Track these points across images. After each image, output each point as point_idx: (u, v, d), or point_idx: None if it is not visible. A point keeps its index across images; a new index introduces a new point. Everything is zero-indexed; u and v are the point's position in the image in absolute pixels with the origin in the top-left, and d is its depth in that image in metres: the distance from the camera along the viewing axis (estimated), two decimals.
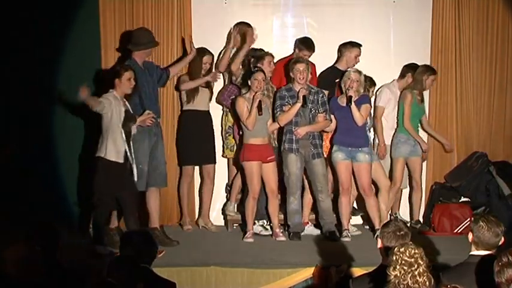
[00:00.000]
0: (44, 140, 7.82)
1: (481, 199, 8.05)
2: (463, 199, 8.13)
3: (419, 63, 7.97)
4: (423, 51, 8.17)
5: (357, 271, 6.19)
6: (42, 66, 7.73)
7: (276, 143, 7.66)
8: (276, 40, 8.25)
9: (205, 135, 7.79)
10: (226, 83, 7.99)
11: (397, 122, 7.91)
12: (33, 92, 7.73)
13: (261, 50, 7.79)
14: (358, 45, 7.77)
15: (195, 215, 8.22)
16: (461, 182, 8.10)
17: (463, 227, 7.69)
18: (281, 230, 7.54)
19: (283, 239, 7.43)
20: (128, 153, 6.88)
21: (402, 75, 7.96)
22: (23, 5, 7.68)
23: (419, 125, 8.03)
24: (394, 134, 7.90)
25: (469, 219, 7.68)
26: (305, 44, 7.83)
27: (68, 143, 7.87)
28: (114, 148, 6.75)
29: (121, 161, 6.79)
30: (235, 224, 7.97)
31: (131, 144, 6.95)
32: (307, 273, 6.58)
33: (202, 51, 7.71)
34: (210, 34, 8.15)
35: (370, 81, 7.80)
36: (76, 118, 7.68)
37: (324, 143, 7.61)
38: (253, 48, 7.77)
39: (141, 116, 7.10)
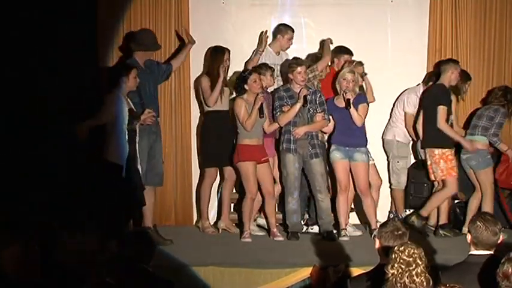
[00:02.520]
0: (44, 139, 7.81)
1: None
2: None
3: (418, 64, 7.98)
4: (421, 51, 8.17)
5: (355, 271, 6.19)
6: (39, 66, 7.73)
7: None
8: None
9: (228, 135, 7.71)
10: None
11: None
12: (32, 92, 7.72)
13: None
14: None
15: (193, 215, 8.23)
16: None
17: None
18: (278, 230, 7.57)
19: (280, 238, 7.44)
20: (135, 153, 6.90)
21: (427, 81, 7.89)
22: (22, 5, 7.67)
23: None
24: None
25: None
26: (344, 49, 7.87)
27: (68, 143, 7.86)
28: (115, 149, 6.74)
29: (122, 163, 6.78)
30: (233, 224, 7.97)
31: (136, 143, 6.97)
32: (304, 273, 6.58)
33: (222, 50, 7.70)
34: (207, 34, 8.15)
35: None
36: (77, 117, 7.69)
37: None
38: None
39: (142, 115, 7.10)
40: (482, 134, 7.69)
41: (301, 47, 8.21)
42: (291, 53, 8.05)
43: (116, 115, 6.77)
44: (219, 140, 7.63)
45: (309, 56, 7.95)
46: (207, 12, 8.22)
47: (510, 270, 3.73)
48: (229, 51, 7.72)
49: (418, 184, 7.91)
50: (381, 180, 7.84)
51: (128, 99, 6.98)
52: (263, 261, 6.77)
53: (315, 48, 8.04)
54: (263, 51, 7.83)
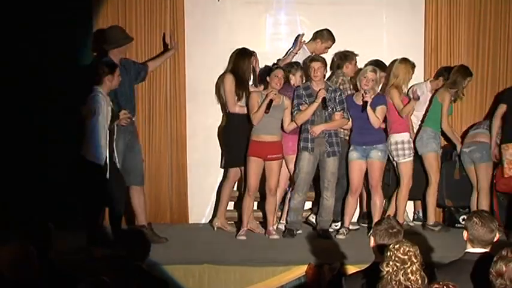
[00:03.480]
0: (42, 139, 7.81)
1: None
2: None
3: (415, 63, 7.95)
4: (416, 50, 8.14)
5: (350, 269, 6.19)
6: (35, 66, 7.72)
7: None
8: (269, 38, 8.25)
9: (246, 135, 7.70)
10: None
11: (423, 119, 7.86)
12: (32, 91, 7.72)
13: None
14: None
15: (188, 214, 8.22)
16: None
17: None
18: (275, 228, 7.56)
19: (276, 237, 7.44)
20: (113, 152, 6.87)
21: (436, 76, 7.95)
22: (18, 4, 7.66)
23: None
24: (418, 130, 7.84)
25: None
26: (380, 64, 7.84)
27: (65, 143, 7.86)
28: (95, 150, 6.70)
29: (102, 163, 6.74)
30: (228, 222, 7.96)
31: (114, 143, 6.94)
32: (300, 271, 6.58)
33: (250, 53, 7.68)
34: (202, 32, 8.16)
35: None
36: (72, 117, 7.69)
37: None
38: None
39: (120, 115, 7.06)
40: (487, 128, 7.74)
41: None
42: (285, 49, 8.09)
43: (95, 112, 6.67)
44: (242, 140, 7.58)
45: (336, 54, 7.92)
46: (202, 10, 8.21)
47: (504, 268, 3.72)
48: (255, 54, 7.71)
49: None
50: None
51: (109, 98, 6.91)
52: (258, 259, 6.76)
53: None
54: (296, 53, 7.79)
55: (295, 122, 7.43)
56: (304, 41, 7.86)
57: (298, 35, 7.92)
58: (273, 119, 7.39)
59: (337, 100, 7.44)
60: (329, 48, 7.96)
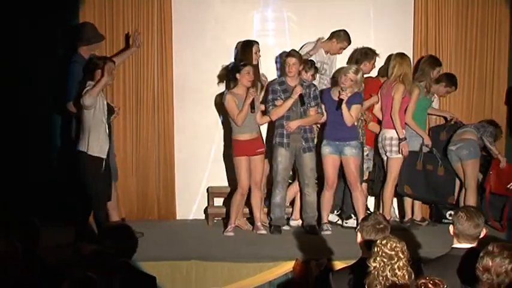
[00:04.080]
0: (42, 139, 7.79)
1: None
2: None
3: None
4: (404, 46, 8.09)
5: (337, 264, 6.21)
6: (28, 66, 7.70)
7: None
8: (256, 34, 8.21)
9: None
10: None
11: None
12: (30, 92, 7.72)
13: None
14: None
15: (175, 210, 8.21)
16: None
17: None
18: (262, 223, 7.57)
19: (263, 232, 7.45)
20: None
21: (437, 82, 7.92)
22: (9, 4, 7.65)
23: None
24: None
25: None
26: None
27: (61, 141, 7.86)
28: (97, 144, 6.69)
29: (104, 156, 6.74)
30: (216, 218, 7.98)
31: (112, 137, 6.92)
32: (287, 266, 6.59)
33: (250, 43, 7.66)
34: (190, 29, 8.16)
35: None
36: (62, 115, 7.68)
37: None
38: None
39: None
40: (473, 128, 7.78)
41: (284, 41, 8.23)
42: (272, 46, 8.19)
43: (95, 106, 6.67)
44: None
45: (356, 50, 7.90)
46: (190, 6, 8.20)
47: (490, 263, 3.73)
48: (257, 43, 7.68)
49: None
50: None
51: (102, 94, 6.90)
52: (246, 255, 6.77)
53: (298, 42, 8.02)
54: (311, 55, 7.78)
55: (270, 117, 7.44)
56: (321, 46, 7.89)
57: (319, 38, 7.92)
58: (253, 116, 7.39)
59: (311, 95, 7.44)
60: (344, 49, 7.96)
